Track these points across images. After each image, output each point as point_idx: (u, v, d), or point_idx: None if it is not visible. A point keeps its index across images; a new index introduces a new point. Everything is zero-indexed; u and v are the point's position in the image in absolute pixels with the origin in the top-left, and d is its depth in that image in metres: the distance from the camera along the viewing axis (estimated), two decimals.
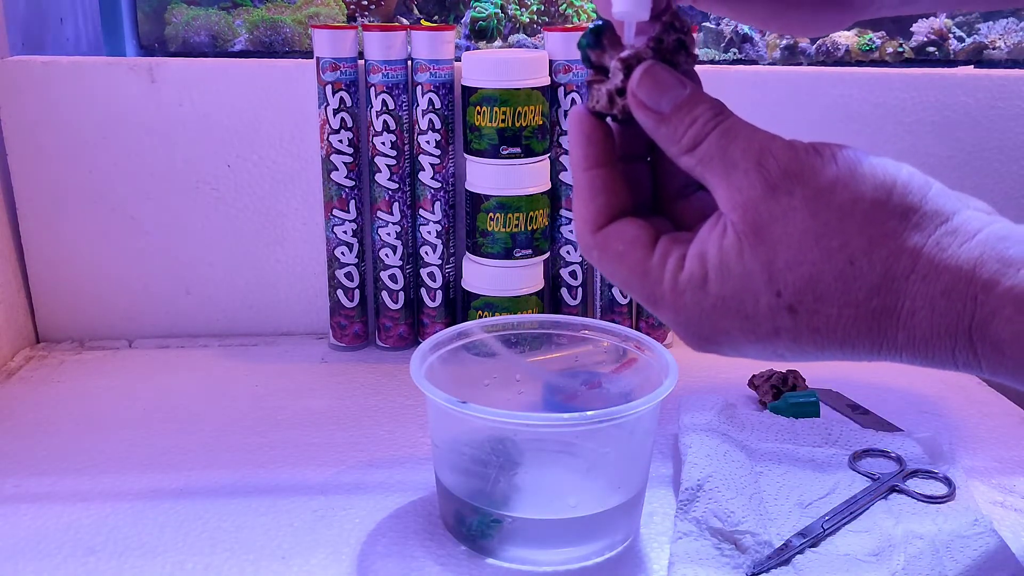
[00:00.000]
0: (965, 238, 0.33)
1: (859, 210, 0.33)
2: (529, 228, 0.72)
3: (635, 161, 0.40)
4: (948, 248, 0.33)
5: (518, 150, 0.71)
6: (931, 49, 0.95)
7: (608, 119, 0.38)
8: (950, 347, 0.33)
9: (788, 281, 0.34)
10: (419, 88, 0.72)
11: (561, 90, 0.73)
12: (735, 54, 0.99)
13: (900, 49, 0.95)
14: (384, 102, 0.72)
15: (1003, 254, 0.32)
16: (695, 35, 0.74)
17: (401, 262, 0.75)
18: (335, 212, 0.74)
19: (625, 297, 0.77)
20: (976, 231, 0.33)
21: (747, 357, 0.37)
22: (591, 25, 0.38)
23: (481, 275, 0.73)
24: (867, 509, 0.52)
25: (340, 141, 0.73)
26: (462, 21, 0.96)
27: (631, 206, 0.38)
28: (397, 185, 0.74)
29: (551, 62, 0.72)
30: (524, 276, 0.73)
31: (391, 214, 0.74)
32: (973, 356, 0.32)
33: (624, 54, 0.36)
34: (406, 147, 0.73)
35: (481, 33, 0.94)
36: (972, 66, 0.85)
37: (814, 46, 0.97)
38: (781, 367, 0.68)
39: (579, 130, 0.38)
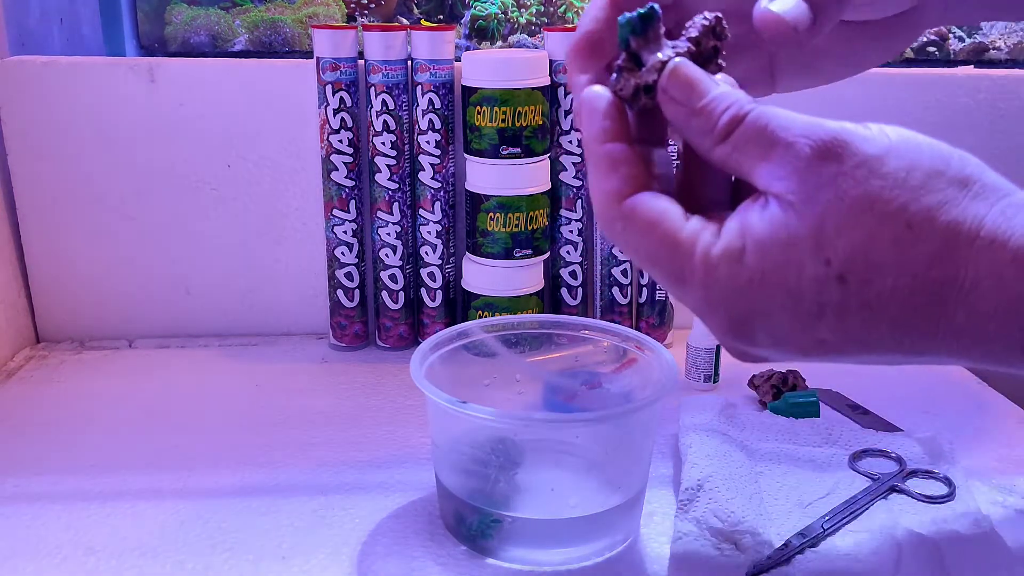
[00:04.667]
0: None
1: (916, 176, 0.31)
2: (529, 228, 0.72)
3: (655, 144, 0.37)
4: (1014, 217, 0.30)
5: (518, 150, 0.71)
6: (931, 49, 0.95)
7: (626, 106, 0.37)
8: (1018, 324, 0.30)
9: (838, 247, 0.31)
10: (419, 88, 0.72)
11: (561, 90, 0.73)
12: None
13: None
14: (384, 102, 0.72)
15: None
16: None
17: (401, 262, 0.75)
18: (335, 212, 0.74)
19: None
20: None
21: (783, 350, 0.33)
22: (641, 10, 0.36)
23: (481, 275, 0.73)
24: (867, 509, 0.52)
25: (340, 141, 0.73)
26: (462, 21, 0.96)
27: (654, 186, 0.36)
28: (397, 185, 0.74)
29: (551, 62, 0.72)
30: (524, 276, 0.73)
31: (391, 214, 0.74)
32: None
33: (664, 56, 0.35)
34: (406, 147, 0.73)
35: (481, 33, 0.94)
36: (972, 66, 0.85)
37: None
38: (782, 366, 0.68)
39: (599, 106, 0.36)
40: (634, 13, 0.36)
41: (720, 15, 0.36)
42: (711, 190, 0.37)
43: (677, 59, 0.35)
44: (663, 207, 0.34)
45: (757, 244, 0.32)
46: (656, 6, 0.36)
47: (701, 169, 0.36)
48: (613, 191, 0.35)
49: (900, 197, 0.31)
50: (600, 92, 0.36)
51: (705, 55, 0.36)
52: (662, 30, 0.36)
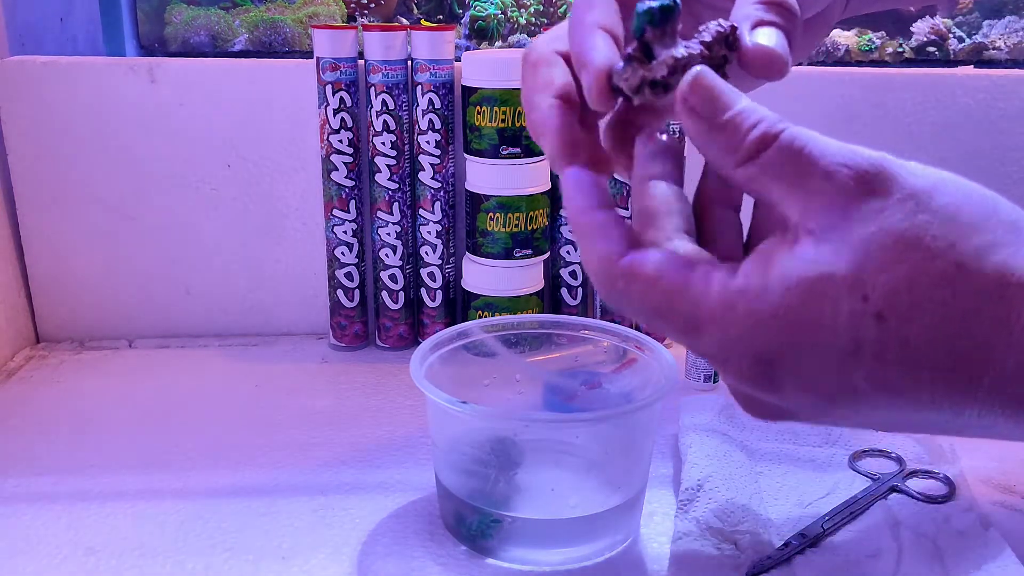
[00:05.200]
0: None
1: (965, 214, 0.29)
2: (529, 228, 0.72)
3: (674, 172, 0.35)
4: None
5: (518, 150, 0.71)
6: (931, 49, 0.95)
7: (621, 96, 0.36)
8: None
9: (879, 283, 0.29)
10: (419, 88, 0.72)
11: None
12: None
13: (900, 49, 0.95)
14: (384, 102, 0.72)
15: None
16: None
17: (401, 262, 0.75)
18: (335, 212, 0.74)
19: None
20: None
21: (809, 397, 0.31)
22: (664, 2, 0.35)
23: (481, 275, 0.73)
24: (867, 509, 0.52)
25: (340, 141, 0.73)
26: (462, 21, 0.96)
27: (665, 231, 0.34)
28: (397, 185, 0.74)
29: None
30: (524, 276, 0.73)
31: (391, 214, 0.74)
32: None
33: (678, 54, 0.34)
34: (406, 147, 0.73)
35: (481, 33, 0.94)
36: (972, 66, 0.85)
37: None
38: None
39: (584, 179, 0.34)
40: (655, 3, 0.35)
41: (736, 25, 0.35)
42: (724, 238, 0.35)
43: (699, 67, 0.33)
44: (665, 258, 0.32)
45: (783, 280, 0.30)
46: (676, 3, 0.35)
47: (715, 217, 0.35)
48: (609, 252, 0.33)
49: (950, 234, 0.29)
50: (579, 171, 0.35)
51: (715, 62, 0.34)
52: (679, 27, 0.35)
